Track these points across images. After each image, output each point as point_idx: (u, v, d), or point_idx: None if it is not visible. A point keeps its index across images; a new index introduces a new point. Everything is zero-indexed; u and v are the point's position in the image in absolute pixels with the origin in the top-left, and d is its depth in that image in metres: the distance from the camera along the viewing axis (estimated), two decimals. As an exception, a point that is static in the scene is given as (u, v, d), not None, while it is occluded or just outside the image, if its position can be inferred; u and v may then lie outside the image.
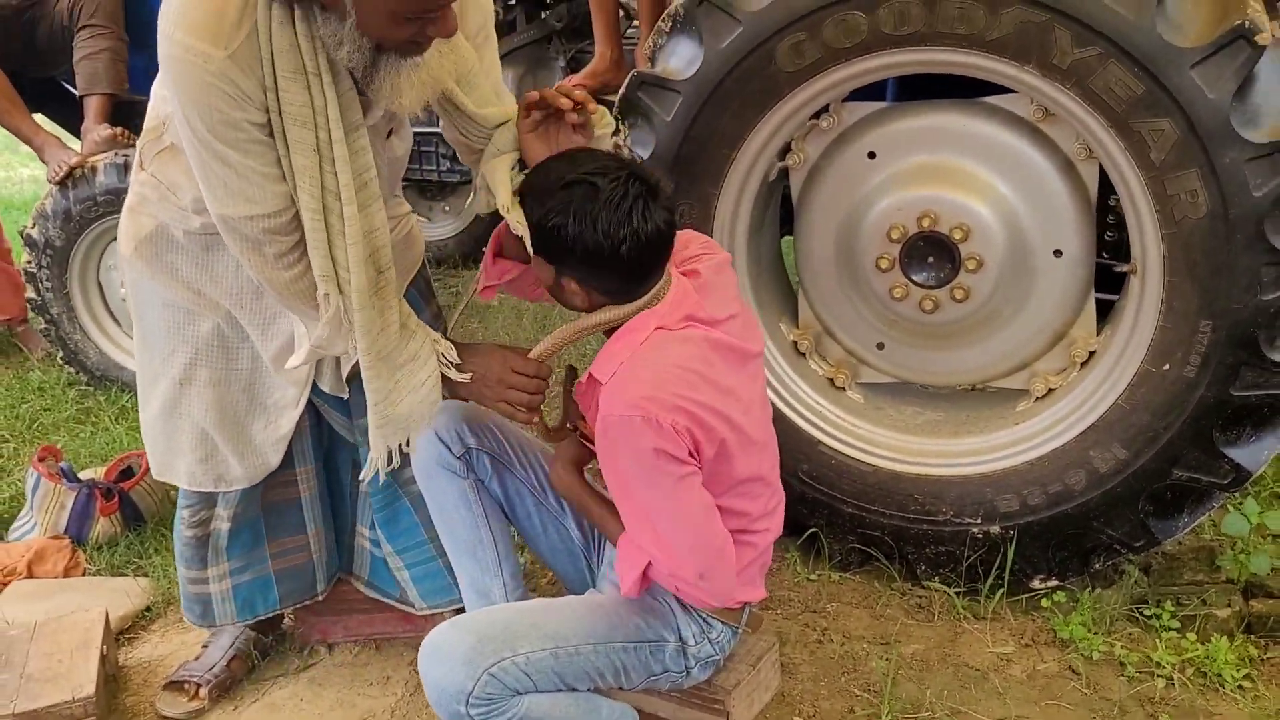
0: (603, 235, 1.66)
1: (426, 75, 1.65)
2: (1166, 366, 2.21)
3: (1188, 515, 2.33)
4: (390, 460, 1.89)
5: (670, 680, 1.94)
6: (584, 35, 3.37)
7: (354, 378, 1.96)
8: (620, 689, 1.92)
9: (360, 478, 2.03)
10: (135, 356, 2.08)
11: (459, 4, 1.70)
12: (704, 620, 1.91)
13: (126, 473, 2.87)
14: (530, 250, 1.75)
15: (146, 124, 1.89)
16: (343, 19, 1.55)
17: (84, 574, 2.68)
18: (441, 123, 1.94)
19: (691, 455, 1.71)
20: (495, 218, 4.68)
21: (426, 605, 2.19)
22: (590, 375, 1.79)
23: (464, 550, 1.98)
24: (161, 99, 1.83)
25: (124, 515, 2.79)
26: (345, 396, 2.01)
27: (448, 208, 4.96)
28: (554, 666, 1.77)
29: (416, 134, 3.67)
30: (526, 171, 1.82)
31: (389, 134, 1.88)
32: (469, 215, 4.91)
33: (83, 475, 2.85)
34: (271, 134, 1.65)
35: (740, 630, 2.00)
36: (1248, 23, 1.96)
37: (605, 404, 1.70)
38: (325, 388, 1.98)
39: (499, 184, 1.81)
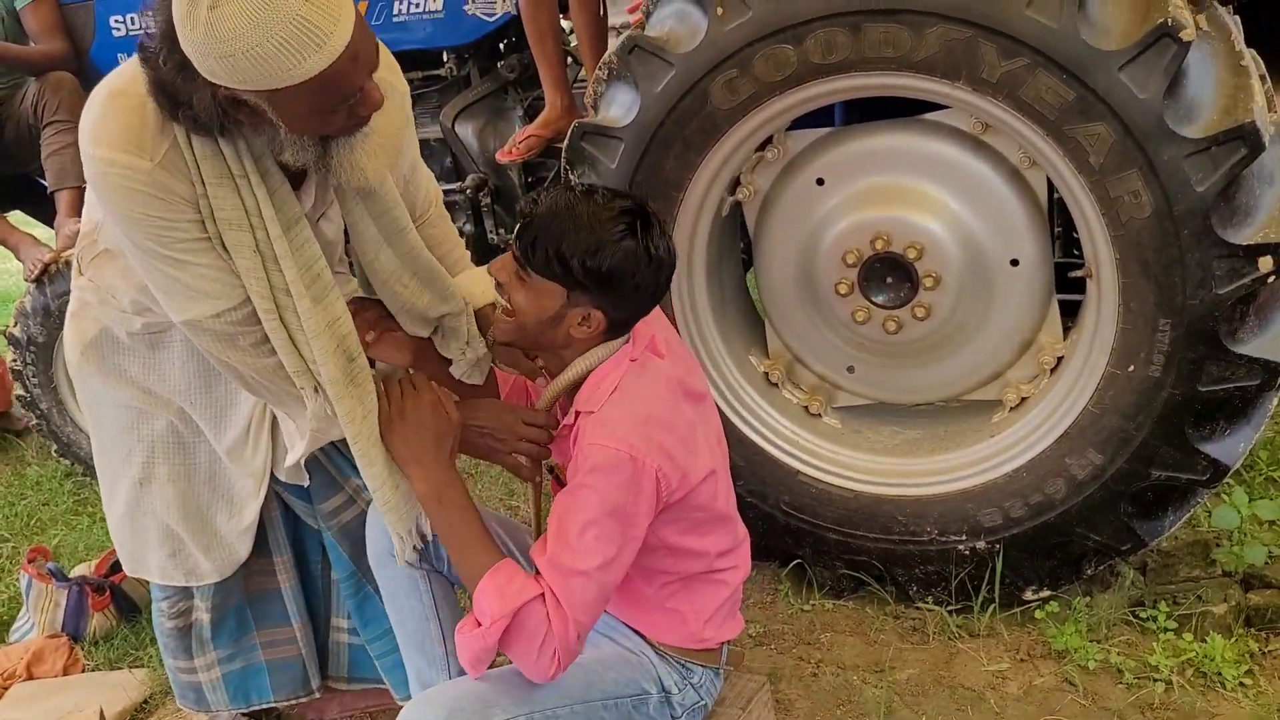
0: (651, 254, 1.69)
1: (379, 139, 1.64)
2: (1131, 368, 2.18)
3: (1173, 514, 2.30)
4: (408, 543, 1.87)
5: None
6: (539, 83, 3.38)
7: (312, 462, 1.96)
8: None
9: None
10: (95, 459, 2.08)
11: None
12: (682, 665, 1.89)
13: (118, 565, 2.88)
14: (529, 276, 1.72)
15: (81, 229, 1.90)
16: (275, 129, 1.54)
17: (83, 670, 2.69)
18: None
19: (659, 500, 1.70)
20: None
21: (400, 697, 2.18)
22: (576, 411, 1.78)
23: (412, 643, 1.96)
24: (92, 204, 1.84)
25: (118, 607, 2.80)
26: (304, 484, 2.01)
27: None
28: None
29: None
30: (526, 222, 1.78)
31: (318, 219, 1.88)
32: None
33: (76, 570, 2.87)
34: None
35: (722, 671, 1.98)
36: (1170, 20, 1.94)
37: (592, 433, 1.69)
38: (282, 477, 1.98)
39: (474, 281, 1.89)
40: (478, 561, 1.69)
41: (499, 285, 1.78)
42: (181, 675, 2.21)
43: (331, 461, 2.05)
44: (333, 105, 1.51)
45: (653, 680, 1.86)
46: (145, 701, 2.56)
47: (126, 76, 1.60)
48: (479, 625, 1.64)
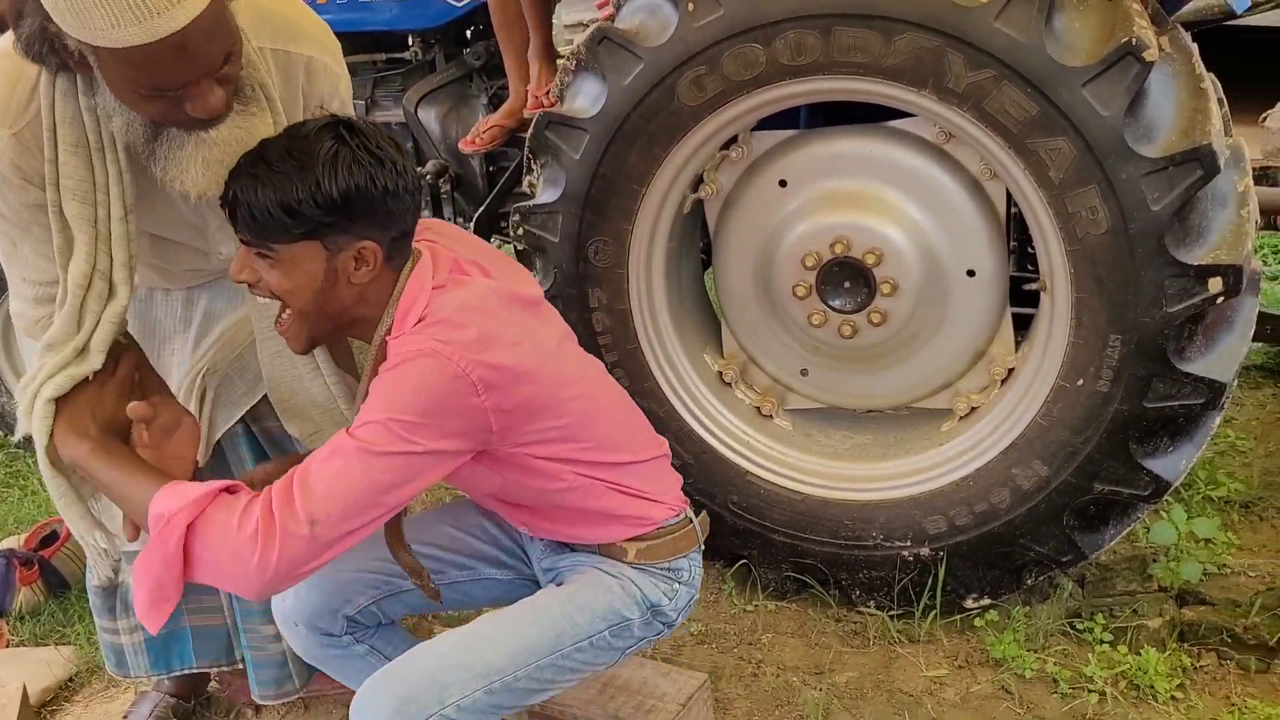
0: (372, 152, 1.52)
1: (220, 154, 1.52)
2: (1080, 381, 2.21)
3: (1113, 528, 2.34)
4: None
5: (651, 643, 1.84)
6: (505, 72, 3.36)
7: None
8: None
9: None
10: None
11: (296, 76, 1.69)
12: (667, 569, 1.78)
13: (50, 538, 2.82)
14: (272, 252, 1.54)
15: None
16: (103, 89, 1.47)
17: (7, 645, 2.62)
18: None
19: (489, 420, 1.54)
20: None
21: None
22: (385, 341, 1.59)
23: None
24: None
25: (47, 583, 2.73)
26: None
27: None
28: (492, 702, 1.64)
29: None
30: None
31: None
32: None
33: (4, 543, 2.80)
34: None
35: (700, 544, 1.85)
36: (1134, 40, 1.97)
37: (395, 350, 1.54)
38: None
39: None
40: (144, 486, 1.52)
41: (251, 289, 1.61)
42: (107, 635, 2.17)
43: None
44: (148, 90, 1.42)
45: (635, 603, 1.76)
46: (70, 679, 2.50)
47: (7, 39, 1.54)
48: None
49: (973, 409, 2.49)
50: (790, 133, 2.49)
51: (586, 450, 1.69)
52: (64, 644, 2.60)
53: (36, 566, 2.71)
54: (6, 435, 3.58)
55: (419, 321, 1.55)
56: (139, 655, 2.15)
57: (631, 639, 1.77)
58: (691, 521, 1.83)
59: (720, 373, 2.68)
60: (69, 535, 2.79)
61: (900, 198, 2.40)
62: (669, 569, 1.79)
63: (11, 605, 2.70)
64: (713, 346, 2.72)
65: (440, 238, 1.71)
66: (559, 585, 1.79)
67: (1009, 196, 2.33)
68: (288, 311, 1.60)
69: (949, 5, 2.04)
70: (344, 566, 1.77)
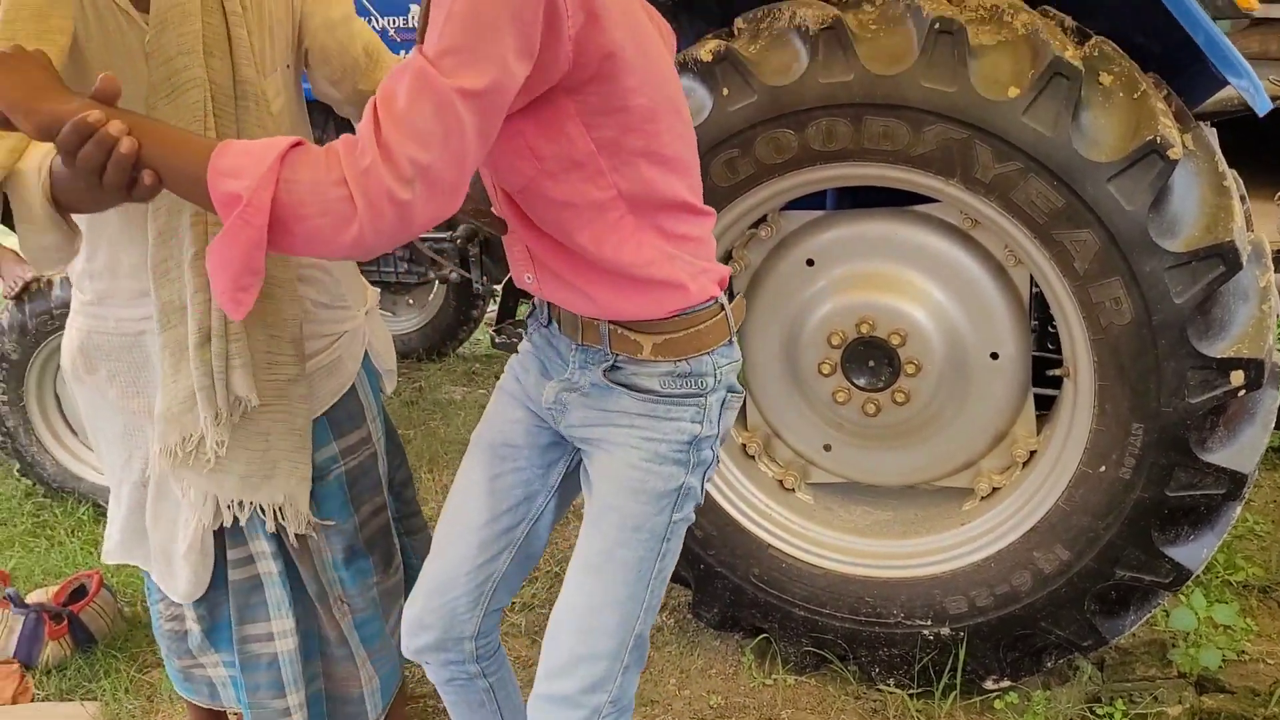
0: None
1: None
2: (1103, 468, 2.23)
3: (1134, 613, 2.35)
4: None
5: (714, 458, 1.62)
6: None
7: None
8: None
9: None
10: (102, 460, 2.00)
11: None
12: (689, 377, 1.54)
13: (78, 593, 2.85)
14: None
15: None
16: None
17: (33, 699, 2.64)
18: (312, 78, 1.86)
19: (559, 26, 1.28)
20: (460, 307, 4.61)
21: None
22: None
23: None
24: None
25: (74, 638, 2.75)
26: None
27: (411, 300, 4.99)
28: (638, 646, 1.59)
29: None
30: None
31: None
32: (433, 308, 4.95)
33: (33, 596, 2.83)
34: None
35: (732, 340, 1.60)
36: (1159, 138, 2.02)
37: None
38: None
39: None
40: (195, 154, 1.25)
41: None
42: (192, 670, 2.10)
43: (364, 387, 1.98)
44: None
45: (672, 462, 1.54)
46: (95, 736, 2.52)
47: None
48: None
49: (995, 489, 2.52)
50: (818, 214, 2.54)
51: (652, 158, 1.44)
52: (89, 699, 2.62)
53: (65, 621, 2.73)
54: (35, 485, 3.63)
55: None
56: (227, 689, 2.08)
57: (694, 489, 1.59)
58: (723, 309, 1.56)
59: (744, 445, 2.72)
60: (98, 590, 2.82)
61: (925, 279, 2.45)
62: (690, 376, 1.53)
63: (38, 659, 2.72)
64: (737, 419, 2.75)
65: None
66: (594, 501, 1.61)
67: (1032, 280, 2.37)
68: None
69: (977, 98, 2.10)
70: (448, 589, 1.73)
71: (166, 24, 1.59)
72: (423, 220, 1.24)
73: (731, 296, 1.67)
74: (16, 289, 3.40)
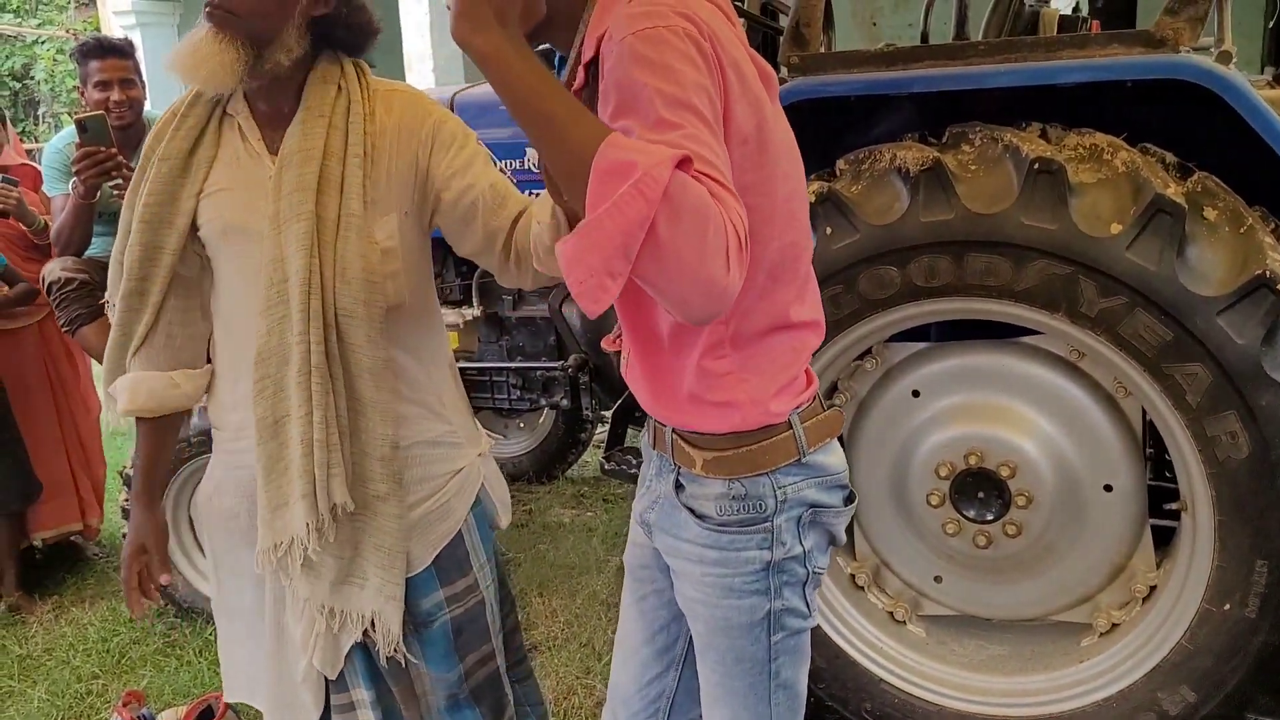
0: None
1: (198, 43, 1.67)
2: (1226, 606, 2.17)
3: (1268, 760, 2.24)
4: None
5: (810, 575, 1.52)
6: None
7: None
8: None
9: None
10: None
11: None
12: (773, 486, 1.46)
13: (206, 714, 2.95)
14: None
15: None
16: None
17: (159, 819, 2.73)
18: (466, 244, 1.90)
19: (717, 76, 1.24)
20: (569, 431, 4.64)
21: None
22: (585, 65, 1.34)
23: None
24: None
25: (201, 759, 2.85)
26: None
27: (522, 424, 5.12)
28: None
29: (486, 367, 3.88)
30: None
31: None
32: (542, 431, 5.06)
33: (164, 716, 2.94)
34: None
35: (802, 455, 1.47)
36: (1268, 272, 2.01)
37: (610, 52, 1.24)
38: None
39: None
40: (592, 125, 1.15)
41: None
42: None
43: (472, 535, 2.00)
44: None
45: (752, 592, 1.48)
46: None
47: None
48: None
49: (1114, 625, 2.45)
50: (923, 345, 2.57)
51: (769, 241, 1.37)
52: (212, 820, 2.70)
53: (193, 742, 2.83)
54: (167, 605, 3.79)
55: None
56: None
57: (787, 608, 1.51)
58: (791, 428, 1.46)
59: (853, 575, 2.71)
60: (224, 712, 2.92)
61: (1033, 411, 2.44)
62: (747, 499, 1.46)
63: (166, 778, 2.82)
64: (844, 549, 2.75)
65: None
66: (694, 631, 1.59)
67: (1144, 409, 2.35)
68: None
69: (1079, 235, 2.13)
70: (626, 708, 1.76)
71: (289, 165, 1.76)
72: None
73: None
74: (158, 418, 3.62)
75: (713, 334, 1.39)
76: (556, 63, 3.69)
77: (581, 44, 1.35)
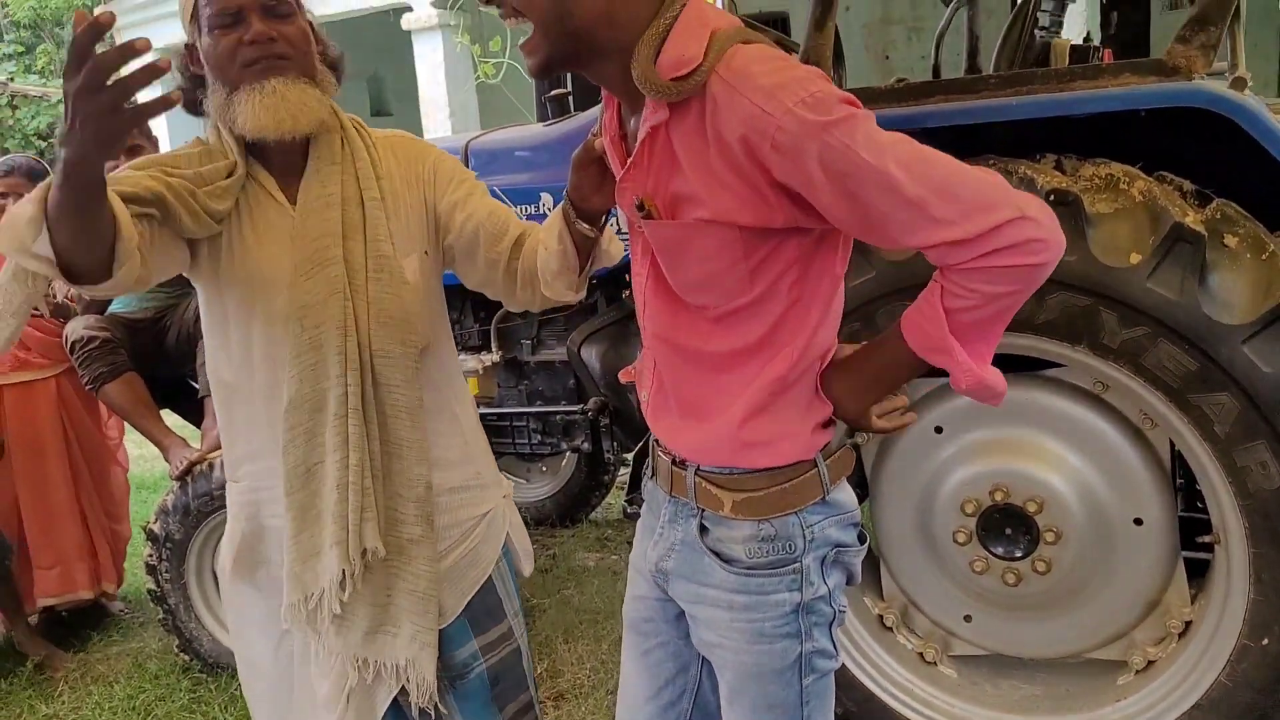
0: None
1: (274, 100, 1.68)
2: (1265, 641, 2.12)
3: (1316, 799, 2.18)
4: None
5: (835, 613, 1.51)
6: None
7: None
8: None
9: None
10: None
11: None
12: (801, 525, 1.46)
13: (229, 770, 2.93)
14: None
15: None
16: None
17: None
18: (465, 269, 1.93)
19: None
20: (591, 474, 4.62)
21: None
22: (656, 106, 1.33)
23: None
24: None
25: (225, 817, 2.82)
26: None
27: (545, 468, 5.10)
28: None
29: (507, 412, 3.87)
30: None
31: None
32: (565, 475, 5.04)
33: (188, 774, 2.92)
34: None
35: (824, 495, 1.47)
36: (1292, 298, 1.98)
37: (729, 111, 1.25)
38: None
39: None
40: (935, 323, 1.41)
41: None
42: None
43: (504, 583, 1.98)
44: (218, 23, 1.66)
45: (783, 635, 1.47)
46: None
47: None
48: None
49: (1150, 663, 2.40)
50: (943, 380, 2.53)
51: (826, 274, 1.44)
52: None
53: (217, 800, 2.81)
54: (192, 660, 3.78)
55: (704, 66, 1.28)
56: None
57: (817, 649, 1.50)
58: (816, 466, 1.46)
59: (880, 616, 2.66)
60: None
61: (1058, 445, 2.41)
62: (776, 540, 1.45)
63: (191, 838, 2.79)
64: (872, 589, 2.71)
65: None
66: (720, 679, 1.58)
67: (1172, 441, 2.31)
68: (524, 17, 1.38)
69: (1098, 266, 2.10)
70: None
71: (310, 212, 1.77)
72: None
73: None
74: (181, 470, 3.63)
75: (782, 362, 1.40)
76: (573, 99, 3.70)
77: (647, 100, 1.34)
